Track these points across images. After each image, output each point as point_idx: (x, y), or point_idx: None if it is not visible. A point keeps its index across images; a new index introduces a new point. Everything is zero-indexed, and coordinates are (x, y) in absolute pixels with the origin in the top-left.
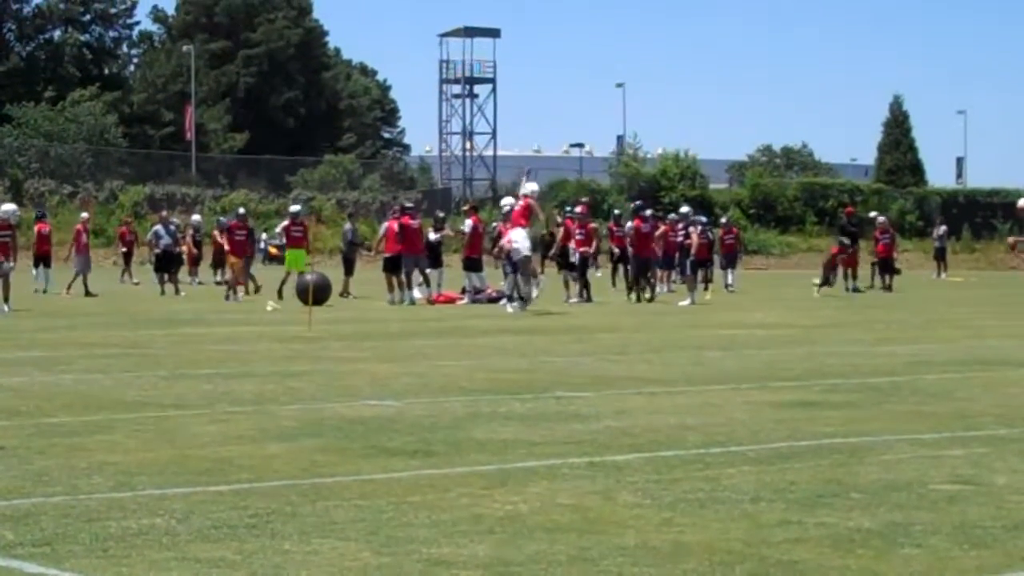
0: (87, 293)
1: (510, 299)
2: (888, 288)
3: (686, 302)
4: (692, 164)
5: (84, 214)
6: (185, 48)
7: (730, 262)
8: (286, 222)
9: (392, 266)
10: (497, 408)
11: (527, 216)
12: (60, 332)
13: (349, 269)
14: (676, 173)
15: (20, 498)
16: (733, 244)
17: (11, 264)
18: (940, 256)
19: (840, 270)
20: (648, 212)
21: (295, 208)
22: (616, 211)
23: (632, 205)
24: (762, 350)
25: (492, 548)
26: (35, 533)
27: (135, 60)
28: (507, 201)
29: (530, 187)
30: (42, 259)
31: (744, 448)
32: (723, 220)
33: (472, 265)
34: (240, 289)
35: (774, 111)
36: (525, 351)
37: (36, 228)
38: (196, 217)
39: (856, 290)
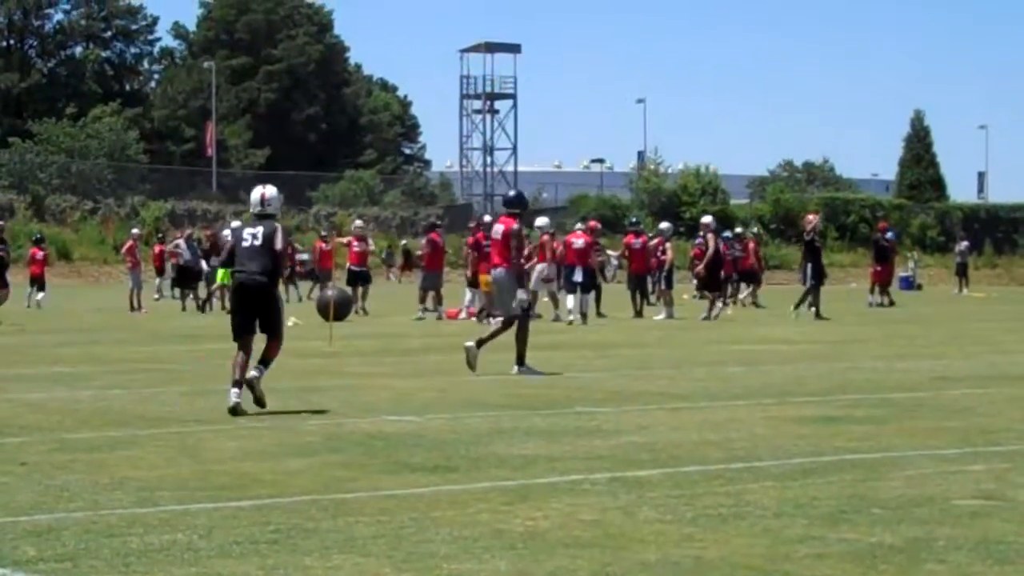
0: (131, 308)
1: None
2: (890, 303)
3: (661, 316)
4: (713, 179)
5: (135, 230)
6: (206, 64)
7: (742, 276)
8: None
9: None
10: (518, 424)
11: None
12: (81, 348)
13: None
14: (697, 188)
15: (42, 513)
16: (745, 259)
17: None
18: (962, 271)
19: (868, 285)
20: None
21: (235, 224)
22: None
23: (632, 220)
24: (784, 365)
25: (513, 564)
26: (57, 548)
27: (156, 76)
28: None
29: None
30: (35, 281)
31: (766, 464)
32: (737, 231)
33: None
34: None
35: (795, 126)
36: (546, 366)
37: (31, 252)
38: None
39: (881, 304)
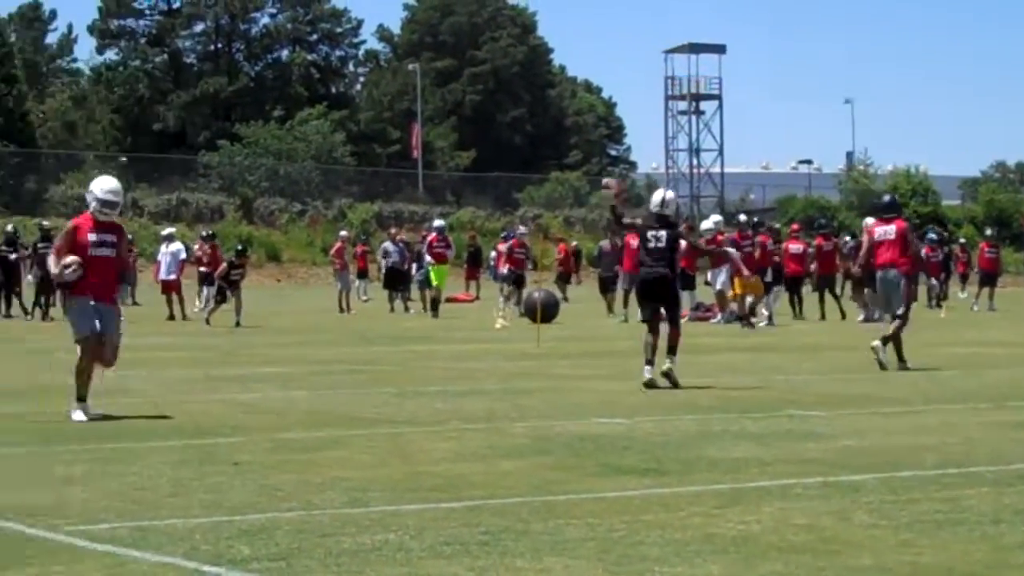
0: (340, 309)
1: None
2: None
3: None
4: (923, 180)
5: (343, 232)
6: (411, 66)
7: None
8: (430, 236)
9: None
10: (728, 426)
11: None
12: (292, 349)
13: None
14: (907, 189)
15: (255, 513)
16: (937, 264)
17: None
18: None
19: None
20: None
21: (439, 223)
22: (777, 225)
23: (821, 222)
24: (1000, 369)
25: (725, 568)
26: (270, 548)
27: (361, 79)
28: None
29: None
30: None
31: (983, 469)
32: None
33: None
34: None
35: (1008, 126)
36: (755, 369)
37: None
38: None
39: None
